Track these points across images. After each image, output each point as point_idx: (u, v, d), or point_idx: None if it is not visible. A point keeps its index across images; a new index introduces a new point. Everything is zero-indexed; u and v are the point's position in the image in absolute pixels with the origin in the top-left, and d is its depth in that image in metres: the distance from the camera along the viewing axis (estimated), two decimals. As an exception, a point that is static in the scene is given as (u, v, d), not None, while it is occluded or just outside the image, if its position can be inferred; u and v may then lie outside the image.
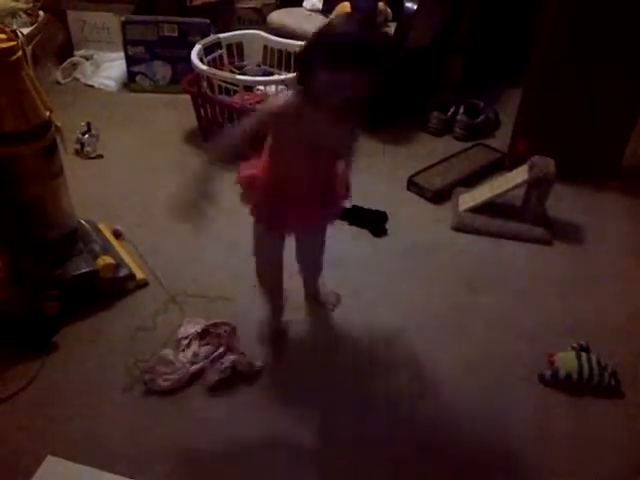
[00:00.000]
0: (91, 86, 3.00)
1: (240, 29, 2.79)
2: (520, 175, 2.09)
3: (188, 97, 2.57)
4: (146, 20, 2.86)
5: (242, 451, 1.43)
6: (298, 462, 1.41)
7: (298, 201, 1.44)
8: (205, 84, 2.47)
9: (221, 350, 1.59)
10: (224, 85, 2.40)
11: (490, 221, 2.12)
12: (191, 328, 1.65)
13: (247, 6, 3.06)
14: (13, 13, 2.77)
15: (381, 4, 2.56)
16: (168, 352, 1.58)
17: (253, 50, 2.69)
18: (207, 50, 2.56)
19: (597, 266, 2.01)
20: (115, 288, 1.80)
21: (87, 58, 3.09)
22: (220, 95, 2.44)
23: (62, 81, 3.01)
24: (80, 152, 2.46)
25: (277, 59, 2.63)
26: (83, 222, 1.90)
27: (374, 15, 2.46)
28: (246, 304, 1.79)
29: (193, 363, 1.57)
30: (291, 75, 2.40)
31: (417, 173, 2.35)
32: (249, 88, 2.46)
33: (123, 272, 1.81)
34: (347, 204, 1.64)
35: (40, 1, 2.88)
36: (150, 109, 2.82)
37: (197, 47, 2.48)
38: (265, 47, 2.65)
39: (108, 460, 1.38)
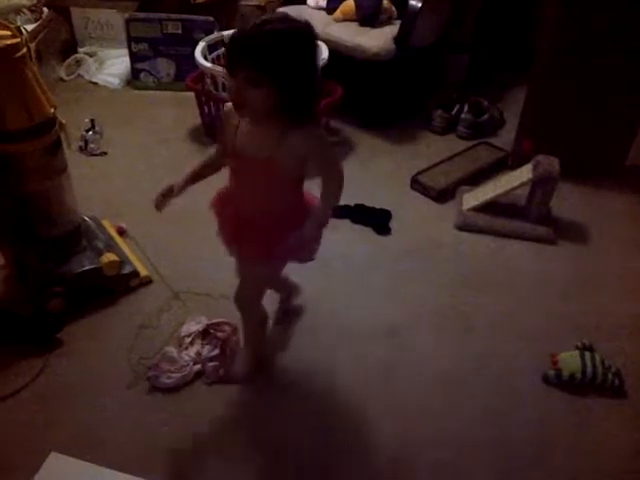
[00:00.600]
0: (95, 83, 3.00)
1: (244, 26, 2.78)
2: (524, 174, 2.08)
3: (192, 94, 2.57)
4: (150, 17, 2.86)
5: (245, 449, 1.43)
6: (298, 461, 1.41)
7: (237, 222, 1.34)
8: (209, 81, 2.46)
9: (216, 352, 1.59)
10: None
11: (494, 220, 2.12)
12: (193, 327, 1.65)
13: (251, 3, 3.05)
14: (17, 10, 2.76)
15: (385, 2, 2.56)
16: (172, 350, 1.58)
17: (257, 48, 2.68)
18: (211, 48, 2.55)
19: (601, 265, 2.01)
20: (119, 285, 1.80)
21: (91, 55, 3.09)
22: (224, 92, 2.43)
23: (66, 78, 3.01)
24: (84, 149, 2.46)
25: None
26: (87, 219, 1.90)
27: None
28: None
29: (196, 362, 1.58)
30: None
31: (421, 172, 2.34)
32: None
33: (127, 269, 1.81)
34: (302, 261, 1.43)
35: (44, -2, 2.88)
36: (154, 106, 2.82)
37: (201, 44, 2.48)
38: (269, 45, 2.64)
39: (112, 457, 1.38)
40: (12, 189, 1.59)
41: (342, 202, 2.16)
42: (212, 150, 1.38)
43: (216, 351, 1.59)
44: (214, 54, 2.57)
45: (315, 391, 1.58)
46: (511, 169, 2.28)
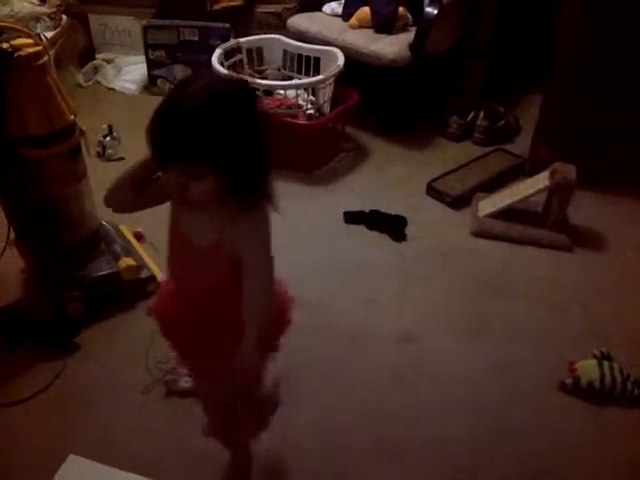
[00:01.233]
0: (112, 89, 3.03)
1: (260, 34, 2.80)
2: (541, 181, 2.07)
3: (208, 100, 2.58)
4: (167, 24, 2.89)
5: (259, 453, 1.44)
6: (313, 465, 1.42)
7: (186, 325, 1.09)
8: (225, 88, 2.48)
9: None
10: (244, 89, 2.41)
11: (510, 227, 2.11)
12: (211, 331, 1.65)
13: (267, 10, 3.07)
14: (37, 17, 2.80)
15: (401, 9, 2.56)
16: (188, 354, 1.59)
17: (273, 55, 2.70)
18: (227, 54, 2.57)
19: (618, 273, 1.99)
20: (136, 289, 1.81)
21: (108, 61, 3.13)
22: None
23: (84, 84, 3.04)
24: (102, 154, 2.49)
25: (297, 64, 2.64)
26: (105, 224, 1.91)
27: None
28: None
29: (213, 365, 1.58)
30: (311, 80, 2.41)
31: (436, 178, 2.34)
32: (269, 92, 2.47)
33: (144, 274, 1.82)
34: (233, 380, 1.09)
35: (63, 5, 2.92)
36: (170, 112, 2.84)
37: (218, 51, 2.50)
38: (285, 52, 2.66)
39: (129, 460, 1.39)
40: (32, 194, 1.61)
41: (357, 208, 2.21)
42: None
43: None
44: (230, 61, 2.59)
45: (328, 395, 1.58)
46: (528, 176, 2.27)
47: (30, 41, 1.47)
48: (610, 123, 2.24)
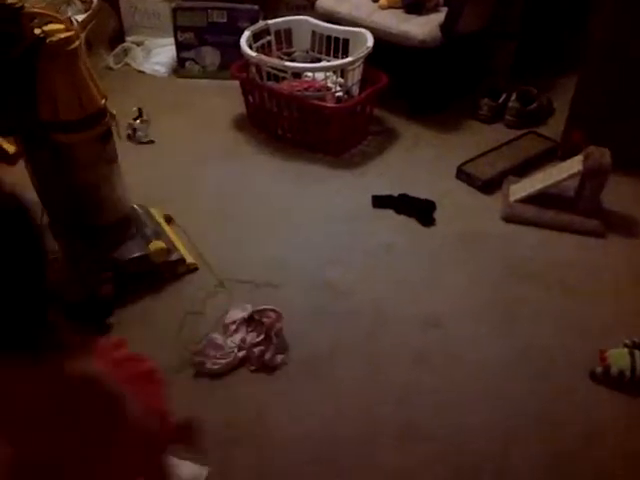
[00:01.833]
0: (142, 72, 3.05)
1: (288, 15, 2.78)
2: (574, 165, 2.03)
3: (237, 83, 2.59)
4: (196, 6, 2.88)
5: (287, 435, 1.46)
6: (337, 449, 1.43)
7: None
8: (254, 70, 2.47)
9: (260, 338, 1.61)
10: (272, 72, 2.41)
11: (542, 212, 2.07)
12: (239, 314, 1.68)
13: (296, -9, 3.04)
14: (68, 1, 2.82)
15: (432, -12, 2.51)
16: (217, 336, 1.61)
17: (301, 36, 2.67)
18: (256, 36, 2.56)
19: (653, 260, 1.95)
20: (166, 272, 1.84)
21: (138, 44, 3.14)
22: (268, 81, 2.44)
23: (114, 66, 3.06)
24: (132, 137, 2.51)
25: (325, 45, 2.62)
26: (136, 207, 1.94)
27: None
28: (292, 291, 1.81)
29: (241, 348, 1.60)
30: (340, 62, 2.39)
31: (466, 162, 2.31)
32: (297, 75, 2.46)
33: (174, 256, 1.85)
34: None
35: (94, -12, 2.93)
36: (200, 95, 2.86)
37: (246, 33, 2.49)
38: (313, 33, 2.64)
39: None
40: (64, 178, 1.64)
41: (386, 192, 2.19)
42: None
43: (261, 337, 1.62)
44: (259, 43, 2.58)
45: (354, 377, 1.58)
46: (560, 160, 2.22)
47: (61, 26, 1.48)
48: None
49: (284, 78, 2.39)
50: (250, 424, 1.48)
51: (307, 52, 2.68)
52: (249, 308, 1.69)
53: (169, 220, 2.06)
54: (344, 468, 1.40)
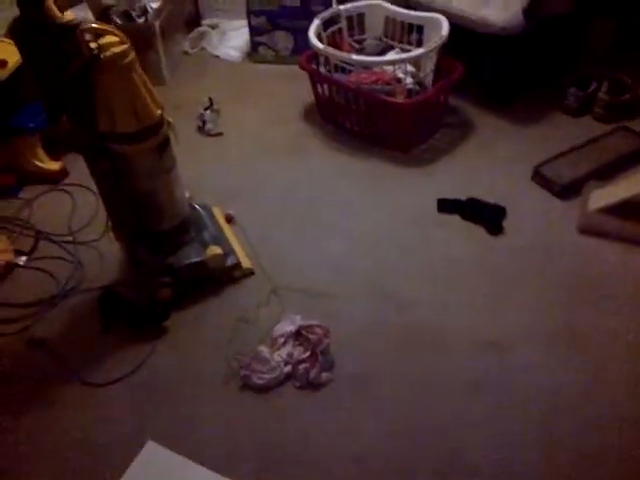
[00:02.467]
0: (217, 56, 3.05)
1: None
2: (667, 173, 1.83)
3: (308, 70, 2.53)
4: (269, -11, 2.82)
5: (328, 453, 1.44)
6: (381, 467, 1.40)
7: None
8: (323, 60, 2.40)
9: (306, 355, 1.60)
10: (340, 64, 2.32)
11: (625, 224, 1.89)
12: (287, 327, 1.66)
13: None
14: (145, -13, 2.84)
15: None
16: (264, 349, 1.61)
17: (374, 22, 2.55)
18: (326, 24, 2.47)
19: None
20: (222, 276, 1.85)
21: (213, 27, 3.14)
22: (337, 73, 2.36)
23: (190, 51, 3.08)
24: (202, 129, 2.52)
25: (400, 31, 2.49)
26: (198, 208, 1.96)
27: None
28: (347, 303, 1.77)
29: (287, 363, 1.60)
30: (411, 54, 2.26)
31: (544, 162, 2.14)
32: (367, 66, 2.36)
33: (231, 261, 1.85)
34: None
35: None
36: (271, 81, 2.82)
37: (315, 22, 2.41)
38: (387, 19, 2.51)
39: (202, 452, 1.46)
40: (123, 187, 1.67)
41: (453, 193, 2.08)
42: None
43: (307, 353, 1.60)
44: (329, 30, 2.49)
45: (400, 400, 1.54)
46: (652, 163, 2.01)
47: (116, 39, 1.48)
48: None
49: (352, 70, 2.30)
50: (290, 442, 1.48)
51: (380, 39, 2.56)
52: (298, 320, 1.67)
53: (230, 220, 2.07)
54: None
